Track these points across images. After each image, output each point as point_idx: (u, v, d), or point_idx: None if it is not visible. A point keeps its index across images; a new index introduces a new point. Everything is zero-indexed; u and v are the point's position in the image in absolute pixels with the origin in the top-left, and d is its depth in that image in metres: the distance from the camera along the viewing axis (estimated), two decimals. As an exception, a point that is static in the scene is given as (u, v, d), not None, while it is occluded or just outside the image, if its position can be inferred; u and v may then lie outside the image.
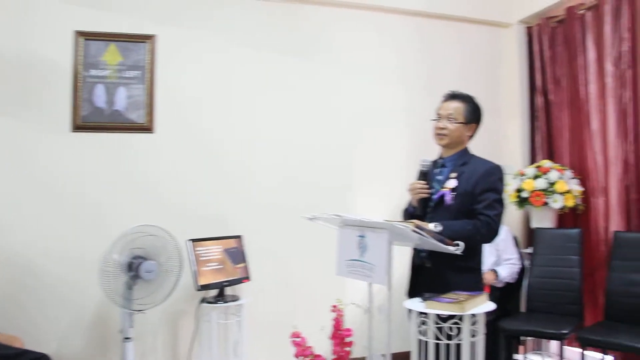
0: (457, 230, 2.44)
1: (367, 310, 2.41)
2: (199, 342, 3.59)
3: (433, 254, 2.56)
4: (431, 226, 2.39)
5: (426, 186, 2.62)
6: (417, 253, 2.70)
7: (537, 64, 4.52)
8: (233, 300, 3.53)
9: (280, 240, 3.98)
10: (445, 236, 2.32)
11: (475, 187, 2.54)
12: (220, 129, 3.89)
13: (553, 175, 4.03)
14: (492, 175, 2.57)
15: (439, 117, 2.68)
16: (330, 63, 4.19)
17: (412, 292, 2.68)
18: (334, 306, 2.62)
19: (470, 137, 2.73)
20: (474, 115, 2.68)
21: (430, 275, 2.60)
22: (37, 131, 3.52)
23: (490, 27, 4.69)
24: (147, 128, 3.69)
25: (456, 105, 2.66)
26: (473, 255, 2.54)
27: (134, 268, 3.10)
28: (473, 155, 2.69)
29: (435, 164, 2.73)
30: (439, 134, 2.67)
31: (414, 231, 2.21)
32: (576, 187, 4.04)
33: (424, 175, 2.65)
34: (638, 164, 3.73)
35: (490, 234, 2.52)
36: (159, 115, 3.72)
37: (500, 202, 2.55)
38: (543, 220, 4.16)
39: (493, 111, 4.54)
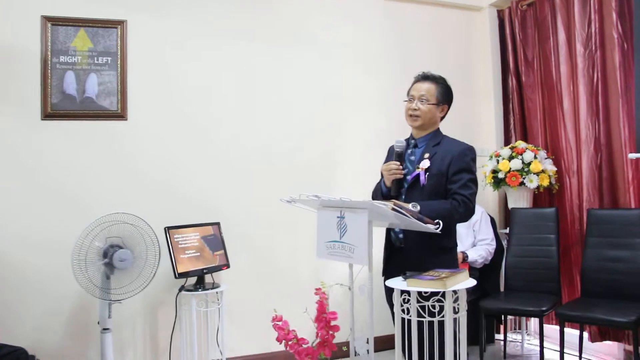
0: (435, 209, 2.43)
1: (350, 287, 2.37)
2: (180, 331, 3.53)
3: (407, 234, 2.57)
4: (409, 206, 2.37)
5: (400, 167, 2.62)
6: (392, 233, 2.69)
7: (509, 47, 4.54)
8: (213, 288, 3.48)
9: (260, 225, 3.94)
10: (424, 216, 2.30)
11: (449, 168, 2.55)
12: (195, 116, 3.82)
13: (527, 155, 4.06)
14: (466, 156, 2.57)
15: (411, 98, 2.69)
16: (305, 47, 4.14)
17: (387, 273, 2.67)
18: (318, 289, 2.57)
19: (442, 118, 2.73)
20: (445, 96, 2.69)
21: (405, 256, 2.60)
22: (7, 120, 3.39)
23: (462, 10, 4.69)
24: (120, 115, 3.59)
25: (428, 87, 2.66)
26: (447, 234, 2.53)
27: (108, 257, 3.02)
28: (445, 136, 2.70)
29: (407, 144, 2.73)
30: (412, 115, 2.67)
31: (394, 210, 2.17)
32: (550, 167, 4.08)
33: (399, 156, 2.65)
34: (608, 142, 3.77)
35: (467, 212, 2.53)
36: (132, 102, 3.63)
37: (474, 182, 2.57)
38: (519, 200, 4.19)
39: (467, 94, 4.56)
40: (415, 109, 2.65)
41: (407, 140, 2.74)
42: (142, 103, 3.67)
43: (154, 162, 3.70)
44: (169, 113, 3.75)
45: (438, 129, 2.72)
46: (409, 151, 2.70)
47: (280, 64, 4.06)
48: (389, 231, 2.72)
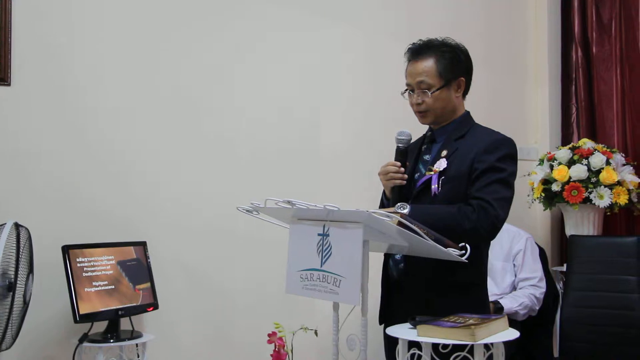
0: (433, 214, 2.47)
1: (335, 341, 2.35)
2: (79, 402, 3.46)
3: (410, 263, 2.60)
4: (405, 211, 2.42)
5: (402, 169, 2.66)
6: (390, 261, 2.74)
7: (575, 2, 4.56)
8: (132, 338, 3.43)
9: (204, 247, 3.90)
10: (415, 221, 2.27)
11: (472, 167, 2.57)
12: (110, 87, 3.76)
13: (596, 159, 4.10)
14: (497, 150, 2.60)
15: (410, 89, 2.73)
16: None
17: (387, 319, 2.71)
18: (272, 334, 2.56)
19: (465, 94, 2.78)
20: (454, 67, 2.72)
21: (407, 295, 2.64)
22: None
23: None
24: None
25: (425, 65, 2.69)
26: (467, 263, 2.47)
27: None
28: (475, 125, 2.75)
29: (424, 138, 2.82)
30: (418, 112, 2.73)
31: (401, 224, 2.13)
32: (631, 177, 4.12)
33: (402, 154, 2.70)
34: None
35: (485, 223, 2.50)
36: (18, 58, 3.54)
37: (504, 184, 2.58)
38: (583, 224, 4.24)
39: (512, 72, 4.68)
40: (418, 104, 2.69)
41: (425, 133, 2.82)
42: (34, 61, 3.58)
43: (51, 150, 3.61)
44: (71, 82, 3.66)
45: (465, 113, 2.77)
46: (424, 148, 2.77)
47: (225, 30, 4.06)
48: (387, 258, 2.75)
